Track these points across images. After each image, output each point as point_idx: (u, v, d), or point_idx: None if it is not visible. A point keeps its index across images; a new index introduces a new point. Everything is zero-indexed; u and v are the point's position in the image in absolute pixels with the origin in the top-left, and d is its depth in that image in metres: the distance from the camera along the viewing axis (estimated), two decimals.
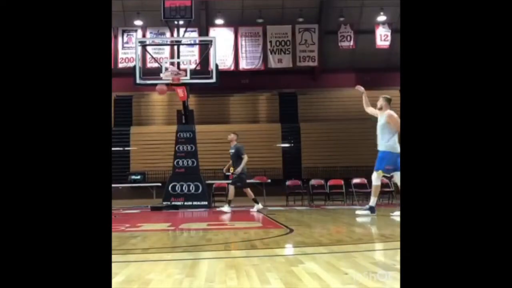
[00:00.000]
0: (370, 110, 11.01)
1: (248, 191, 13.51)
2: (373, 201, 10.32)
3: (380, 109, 10.50)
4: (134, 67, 16.61)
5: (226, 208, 13.03)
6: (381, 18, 29.12)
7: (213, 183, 18.20)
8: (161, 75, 15.67)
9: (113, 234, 7.49)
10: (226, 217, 11.13)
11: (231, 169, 13.36)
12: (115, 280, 3.37)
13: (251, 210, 13.02)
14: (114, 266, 4.14)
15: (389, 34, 28.96)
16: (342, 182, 17.46)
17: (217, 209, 14.09)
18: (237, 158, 13.21)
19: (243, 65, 29.30)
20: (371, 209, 10.20)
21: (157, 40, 25.41)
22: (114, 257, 4.77)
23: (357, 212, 10.43)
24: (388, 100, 10.54)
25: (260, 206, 13.35)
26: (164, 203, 15.97)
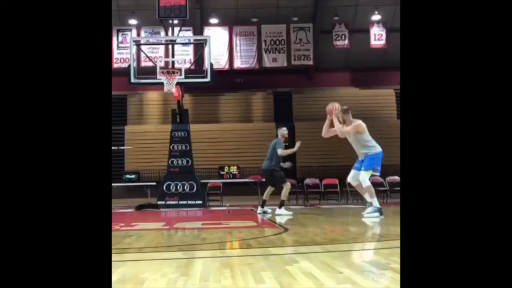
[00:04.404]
0: (330, 132, 10.51)
1: (268, 190, 12.57)
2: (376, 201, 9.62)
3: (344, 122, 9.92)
4: (129, 66, 16.63)
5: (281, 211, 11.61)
6: (376, 17, 29.02)
7: (207, 182, 18.24)
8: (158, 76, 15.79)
9: None
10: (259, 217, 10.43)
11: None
12: None
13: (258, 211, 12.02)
14: None
15: (383, 33, 28.90)
16: (336, 181, 17.48)
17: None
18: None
19: (238, 64, 29.21)
20: (379, 210, 9.43)
21: (152, 40, 25.32)
22: None
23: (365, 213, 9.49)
24: (346, 111, 9.98)
25: (266, 209, 12.18)
26: (159, 202, 15.97)
